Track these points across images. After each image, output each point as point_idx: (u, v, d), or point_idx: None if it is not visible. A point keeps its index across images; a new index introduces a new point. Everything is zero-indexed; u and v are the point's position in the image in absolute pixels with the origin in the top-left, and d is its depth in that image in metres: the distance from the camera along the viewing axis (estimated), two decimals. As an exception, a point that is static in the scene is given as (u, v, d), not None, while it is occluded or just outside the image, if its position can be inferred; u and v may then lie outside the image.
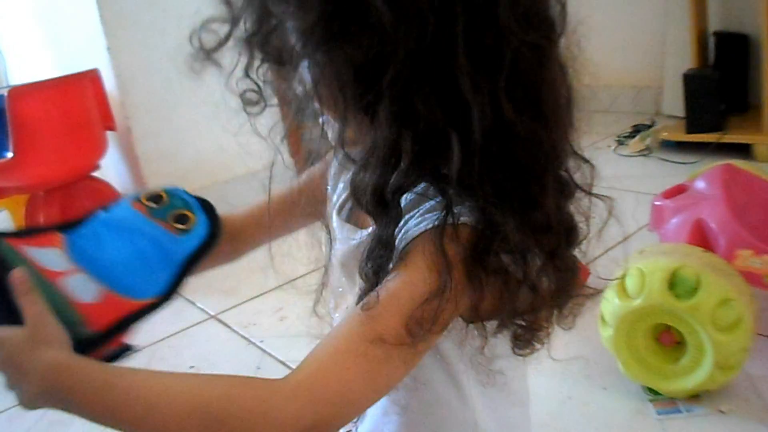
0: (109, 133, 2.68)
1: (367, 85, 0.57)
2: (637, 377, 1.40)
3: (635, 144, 3.01)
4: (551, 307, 0.67)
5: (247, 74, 0.69)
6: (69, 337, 0.62)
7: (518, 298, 0.62)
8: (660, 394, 1.38)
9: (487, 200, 0.58)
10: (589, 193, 0.65)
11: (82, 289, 0.69)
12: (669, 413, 1.34)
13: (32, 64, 3.99)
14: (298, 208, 0.88)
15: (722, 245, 1.47)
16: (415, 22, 0.54)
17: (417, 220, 0.62)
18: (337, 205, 0.82)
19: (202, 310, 2.11)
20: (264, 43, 0.63)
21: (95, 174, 2.68)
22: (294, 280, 1.79)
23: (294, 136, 2.92)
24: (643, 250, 1.44)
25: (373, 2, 0.54)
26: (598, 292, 0.66)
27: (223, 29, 0.65)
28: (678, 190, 1.73)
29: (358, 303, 0.62)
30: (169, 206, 0.81)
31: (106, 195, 2.66)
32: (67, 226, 0.78)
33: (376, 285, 0.62)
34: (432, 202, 0.62)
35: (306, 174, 0.91)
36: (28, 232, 0.76)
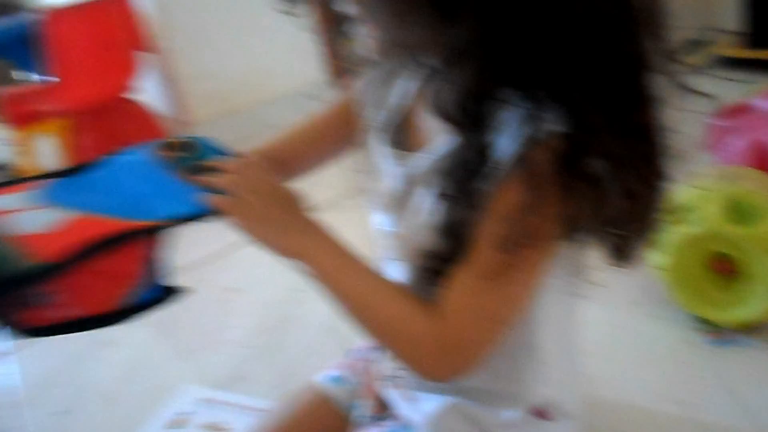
0: (151, 55, 2.67)
1: None
2: (688, 306, 1.35)
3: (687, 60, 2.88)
4: (646, 219, 0.63)
5: None
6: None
7: (614, 207, 0.58)
8: (711, 324, 1.34)
9: (581, 103, 0.54)
10: (694, 92, 0.59)
11: (33, 222, 0.65)
12: (719, 344, 1.30)
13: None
14: (340, 132, 0.85)
15: (785, 169, 1.39)
16: None
17: (505, 134, 0.58)
18: (381, 135, 0.78)
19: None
20: None
21: (137, 96, 2.69)
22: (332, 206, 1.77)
23: (331, 53, 2.85)
24: (698, 172, 1.37)
25: None
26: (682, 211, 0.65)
27: None
28: (737, 110, 1.63)
29: (444, 225, 0.62)
30: (196, 156, 0.73)
31: (143, 117, 2.68)
32: (75, 170, 0.74)
33: (468, 204, 0.59)
34: (515, 114, 0.58)
35: (337, 100, 0.86)
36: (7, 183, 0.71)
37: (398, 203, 0.73)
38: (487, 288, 0.61)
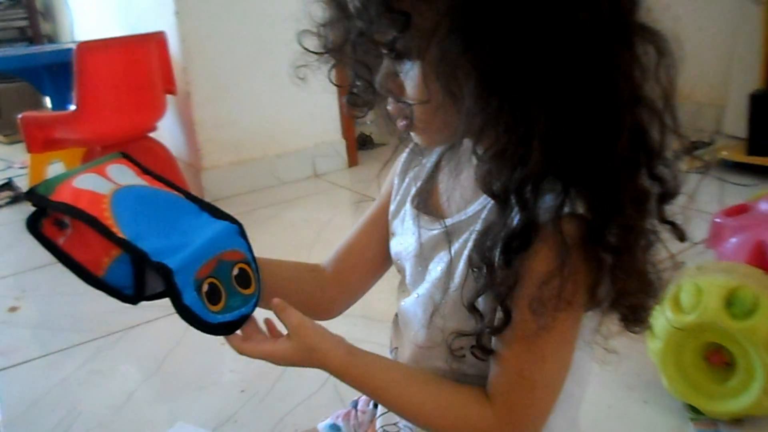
0: (168, 97, 2.72)
1: (496, 81, 0.58)
2: (681, 394, 1.37)
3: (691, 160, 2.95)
4: (653, 285, 0.67)
5: (358, 76, 0.70)
6: None
7: (630, 279, 0.64)
8: (702, 414, 1.36)
9: (603, 189, 0.60)
10: (690, 153, 0.66)
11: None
12: (710, 434, 1.32)
13: (98, 21, 4.05)
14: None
15: (783, 269, 1.43)
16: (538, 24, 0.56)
17: (538, 209, 0.62)
18: (410, 197, 0.82)
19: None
20: (376, 40, 0.63)
21: (152, 135, 2.72)
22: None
23: (348, 120, 2.90)
24: (700, 266, 1.41)
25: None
26: (680, 265, 0.69)
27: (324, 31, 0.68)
28: (740, 210, 1.69)
29: (474, 298, 0.66)
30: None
31: (161, 156, 2.70)
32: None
33: (500, 275, 0.63)
34: (548, 192, 0.62)
35: (381, 196, 0.89)
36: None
37: (421, 266, 0.76)
38: (528, 354, 0.65)
